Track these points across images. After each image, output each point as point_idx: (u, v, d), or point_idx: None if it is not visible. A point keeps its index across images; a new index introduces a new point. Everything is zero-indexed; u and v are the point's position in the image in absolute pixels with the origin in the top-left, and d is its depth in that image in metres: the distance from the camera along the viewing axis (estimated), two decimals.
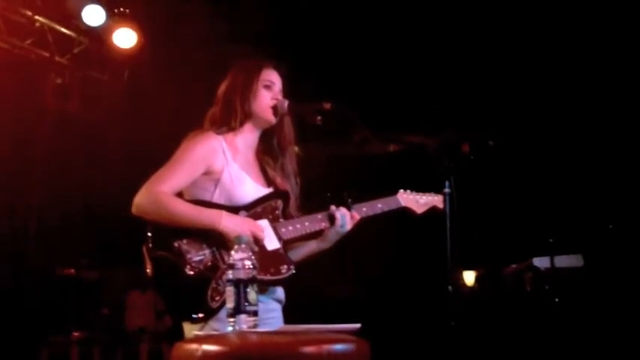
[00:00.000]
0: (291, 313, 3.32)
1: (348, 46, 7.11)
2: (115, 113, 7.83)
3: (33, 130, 7.73)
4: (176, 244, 3.03)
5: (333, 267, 7.05)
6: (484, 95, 6.98)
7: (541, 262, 5.70)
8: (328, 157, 6.53)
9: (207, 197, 3.20)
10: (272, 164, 3.44)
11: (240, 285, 2.55)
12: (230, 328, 2.56)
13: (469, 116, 6.81)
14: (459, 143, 3.55)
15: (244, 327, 2.53)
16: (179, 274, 3.00)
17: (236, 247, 2.61)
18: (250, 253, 2.60)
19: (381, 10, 7.01)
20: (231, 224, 3.08)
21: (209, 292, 2.99)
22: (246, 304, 2.55)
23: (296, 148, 3.55)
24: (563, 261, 5.64)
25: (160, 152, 3.31)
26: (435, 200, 3.67)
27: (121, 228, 6.35)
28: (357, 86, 6.69)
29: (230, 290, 2.56)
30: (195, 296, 3.00)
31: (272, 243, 3.20)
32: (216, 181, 3.21)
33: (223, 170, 3.22)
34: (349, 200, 3.41)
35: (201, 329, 3.00)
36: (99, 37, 7.50)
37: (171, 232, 3.05)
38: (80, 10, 7.04)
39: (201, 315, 2.99)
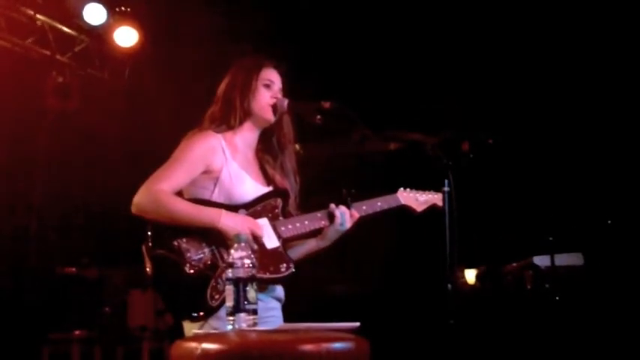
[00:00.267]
0: (290, 312, 3.33)
1: (348, 45, 7.11)
2: (115, 112, 7.82)
3: (33, 128, 7.73)
4: (176, 243, 3.04)
5: (333, 265, 7.05)
6: (484, 95, 6.98)
7: (541, 261, 5.69)
8: (328, 155, 6.53)
9: (206, 196, 3.21)
10: (271, 163, 3.45)
11: (239, 283, 2.55)
12: (229, 327, 2.56)
13: (469, 116, 6.81)
14: (458, 141, 3.56)
15: (244, 325, 2.54)
16: (179, 273, 3.01)
17: (235, 245, 2.61)
18: (250, 252, 2.61)
19: (381, 9, 7.00)
20: (230, 223, 3.08)
21: (208, 291, 3.00)
22: (246, 302, 2.55)
23: (297, 147, 3.56)
24: (563, 259, 5.63)
25: (160, 151, 3.32)
26: (435, 198, 3.68)
27: (121, 227, 6.36)
28: (356, 86, 6.69)
29: (229, 289, 2.56)
30: (194, 295, 3.00)
31: (271, 241, 3.21)
32: (216, 180, 3.22)
33: (222, 169, 3.23)
34: (348, 199, 3.42)
35: (200, 328, 3.00)
36: (100, 35, 7.50)
37: (171, 231, 3.06)
38: (81, 8, 7.04)
39: (200, 313, 3.00)
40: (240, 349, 2.30)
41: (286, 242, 3.32)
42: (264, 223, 3.23)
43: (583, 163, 6.73)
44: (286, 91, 3.46)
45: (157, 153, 3.34)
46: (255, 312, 2.58)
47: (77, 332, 7.29)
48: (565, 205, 6.60)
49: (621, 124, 6.64)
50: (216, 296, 2.99)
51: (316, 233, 3.39)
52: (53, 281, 7.63)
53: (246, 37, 6.82)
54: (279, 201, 3.33)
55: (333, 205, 3.37)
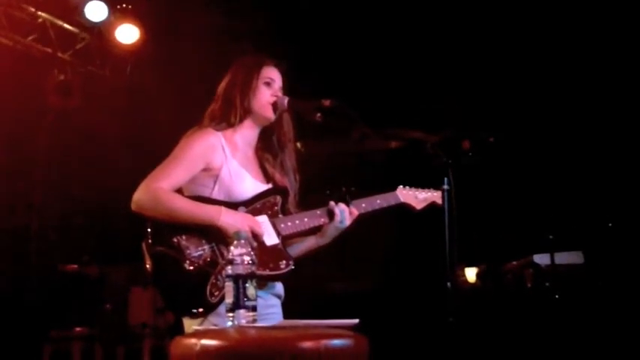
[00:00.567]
0: (290, 309, 3.33)
1: (347, 44, 7.11)
2: (116, 109, 7.83)
3: (34, 126, 7.74)
4: (175, 240, 3.05)
5: (333, 263, 7.05)
6: (485, 93, 6.98)
7: (541, 259, 5.70)
8: (328, 153, 6.53)
9: (206, 193, 3.22)
10: (271, 161, 3.45)
11: (239, 280, 2.56)
12: (229, 323, 2.57)
13: (470, 114, 6.81)
14: (459, 140, 3.56)
15: (243, 322, 2.55)
16: (178, 270, 3.01)
17: (235, 242, 2.62)
18: (249, 249, 2.62)
19: (381, 8, 7.01)
20: (230, 220, 3.09)
21: (208, 288, 3.01)
22: (245, 299, 2.56)
23: (298, 145, 3.56)
24: (563, 258, 5.64)
25: (161, 148, 3.32)
26: (435, 196, 3.69)
27: (122, 225, 6.36)
28: (356, 84, 6.69)
29: (229, 285, 2.57)
30: (194, 291, 3.01)
31: (271, 239, 3.22)
32: (216, 178, 3.23)
33: (222, 167, 3.23)
34: (348, 196, 3.43)
35: (200, 324, 3.01)
36: (101, 33, 7.51)
37: (171, 228, 3.06)
38: (82, 6, 7.05)
39: (200, 310, 3.01)
40: (240, 345, 2.31)
41: (286, 239, 3.32)
42: (263, 220, 3.24)
43: (583, 162, 6.73)
44: (286, 89, 3.46)
45: (158, 150, 3.33)
46: (254, 309, 2.59)
47: (78, 330, 7.30)
48: (565, 203, 6.60)
49: (620, 121, 6.64)
50: (216, 293, 2.99)
51: (315, 231, 3.40)
52: (54, 279, 7.65)
53: (247, 35, 6.84)
54: (279, 198, 3.34)
55: (332, 203, 3.38)
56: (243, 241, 2.62)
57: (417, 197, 3.69)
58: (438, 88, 6.97)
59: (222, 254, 3.05)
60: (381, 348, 2.90)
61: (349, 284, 7.27)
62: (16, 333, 7.07)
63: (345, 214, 3.36)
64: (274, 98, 3.37)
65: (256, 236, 3.13)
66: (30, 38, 7.21)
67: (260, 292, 2.88)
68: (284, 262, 3.19)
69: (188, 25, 7.23)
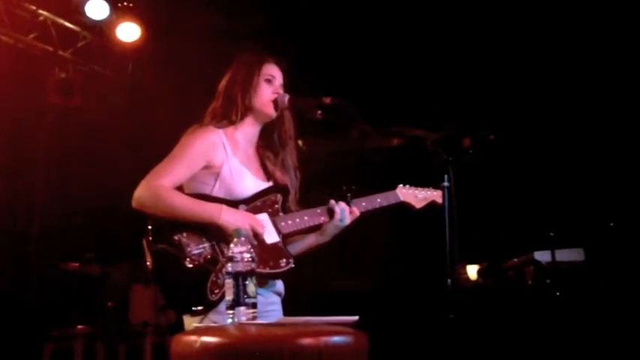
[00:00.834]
0: (290, 306, 3.34)
1: (348, 42, 7.11)
2: (117, 107, 7.84)
3: (35, 125, 7.74)
4: (176, 238, 3.05)
5: (333, 261, 7.06)
6: (485, 91, 6.98)
7: (542, 256, 5.70)
8: (328, 151, 6.54)
9: (207, 191, 3.22)
10: (272, 159, 3.45)
11: (238, 277, 2.57)
12: (229, 321, 2.58)
13: (470, 112, 6.81)
14: (459, 137, 3.56)
15: (243, 319, 2.55)
16: (179, 267, 3.01)
17: (235, 240, 2.62)
18: (249, 246, 2.62)
19: (381, 6, 7.01)
20: (230, 218, 3.09)
21: (209, 285, 3.01)
22: (245, 296, 2.57)
23: (300, 142, 3.57)
24: (564, 255, 5.64)
25: (162, 146, 3.32)
26: (434, 195, 3.70)
27: (123, 223, 6.37)
28: (357, 83, 6.68)
29: (229, 283, 2.58)
30: (194, 289, 3.01)
31: (271, 237, 3.22)
32: (216, 175, 3.23)
33: (223, 164, 3.24)
34: (348, 195, 3.43)
35: (201, 322, 3.02)
36: (102, 31, 7.52)
37: (172, 226, 3.07)
38: (84, 4, 7.06)
39: (200, 308, 3.01)
40: (239, 342, 2.32)
41: (286, 238, 3.33)
42: (264, 218, 3.24)
43: (584, 159, 6.73)
44: (287, 87, 3.47)
45: (159, 149, 3.34)
46: (254, 306, 2.59)
47: (79, 328, 7.30)
48: (565, 200, 6.60)
49: (621, 119, 6.63)
50: (216, 290, 2.99)
51: (315, 229, 3.40)
52: (55, 278, 7.64)
53: (248, 33, 6.84)
54: (279, 197, 3.34)
55: (333, 202, 3.38)
56: (242, 239, 2.63)
57: (416, 196, 3.70)
58: (439, 85, 6.97)
59: (222, 252, 3.05)
60: (381, 345, 2.91)
61: (349, 282, 7.27)
62: (17, 332, 7.08)
63: (345, 212, 3.37)
64: (275, 95, 3.38)
65: (257, 234, 3.14)
66: (31, 36, 7.22)
67: (260, 290, 2.89)
68: (284, 260, 3.20)
69: (189, 23, 7.23)
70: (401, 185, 3.68)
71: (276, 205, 3.31)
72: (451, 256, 3.16)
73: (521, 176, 6.87)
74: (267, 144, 3.48)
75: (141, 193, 3.08)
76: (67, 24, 7.38)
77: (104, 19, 7.20)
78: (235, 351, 2.26)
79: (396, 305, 6.95)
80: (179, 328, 3.12)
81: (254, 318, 2.57)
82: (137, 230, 3.16)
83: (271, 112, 3.38)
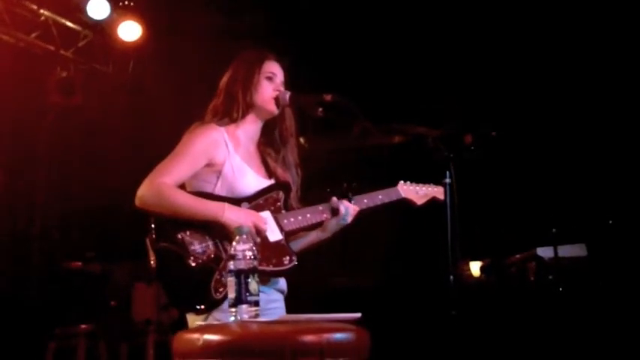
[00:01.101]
0: (293, 304, 3.34)
1: (349, 40, 7.11)
2: (118, 106, 7.84)
3: (37, 124, 7.74)
4: (179, 236, 3.05)
5: (335, 258, 7.06)
6: (487, 86, 6.97)
7: (544, 252, 5.70)
8: (329, 148, 6.54)
9: (209, 189, 3.22)
10: (273, 156, 3.45)
11: (241, 275, 2.57)
12: (232, 318, 2.58)
13: (472, 108, 6.81)
14: (461, 134, 3.56)
15: (245, 317, 2.55)
16: (183, 266, 3.01)
17: (237, 237, 2.62)
18: (251, 244, 2.62)
19: (383, 4, 7.01)
20: (234, 216, 3.09)
21: (212, 284, 3.01)
22: (248, 294, 2.56)
23: (301, 140, 3.57)
24: (566, 251, 5.64)
25: (164, 145, 3.33)
26: (435, 191, 3.70)
27: (125, 221, 6.37)
28: (358, 81, 6.67)
29: (231, 280, 2.58)
30: (198, 287, 3.01)
31: (274, 234, 3.22)
32: (219, 173, 3.23)
33: (225, 162, 3.24)
34: (350, 192, 3.43)
35: (204, 320, 3.02)
36: (103, 30, 7.50)
37: (175, 224, 3.06)
38: (85, 3, 7.05)
39: (204, 306, 3.01)
40: (242, 339, 2.32)
41: (288, 235, 3.33)
42: (266, 216, 3.25)
43: (586, 155, 6.73)
44: (288, 84, 3.47)
45: (161, 147, 3.34)
46: (257, 304, 2.59)
47: (82, 327, 7.31)
48: (568, 196, 6.60)
49: (623, 115, 6.63)
50: (220, 289, 2.99)
51: (317, 226, 3.40)
52: (57, 277, 7.65)
53: (248, 32, 6.84)
54: (281, 194, 3.34)
55: (335, 199, 3.39)
56: (245, 237, 2.63)
57: (417, 192, 3.70)
58: (440, 84, 6.96)
59: (225, 250, 3.05)
60: (383, 342, 2.91)
61: (351, 279, 7.28)
62: (20, 331, 7.09)
63: (348, 210, 3.37)
64: (276, 93, 3.38)
65: (260, 232, 3.14)
66: (32, 36, 7.21)
67: (263, 288, 2.90)
68: (287, 258, 3.20)
69: (190, 22, 7.23)
70: (402, 182, 3.68)
71: (279, 203, 3.32)
72: (453, 252, 3.16)
73: (523, 172, 6.87)
74: (269, 141, 3.48)
75: (144, 192, 3.08)
76: (68, 23, 7.37)
77: (105, 18, 7.19)
78: (237, 348, 2.26)
79: (398, 302, 6.95)
80: (182, 326, 3.12)
81: (256, 316, 2.57)
82: (139, 229, 3.16)
83: (273, 109, 3.38)
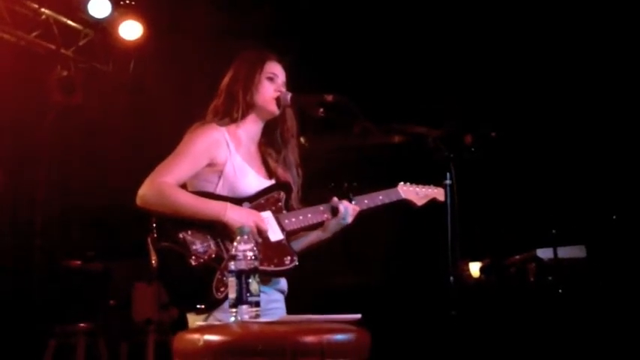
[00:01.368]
0: (293, 304, 3.35)
1: (350, 40, 7.11)
2: (119, 105, 7.83)
3: (37, 122, 7.74)
4: (181, 235, 3.05)
5: (336, 258, 7.06)
6: (487, 87, 6.97)
7: (544, 253, 5.71)
8: (329, 148, 6.54)
9: (210, 189, 3.22)
10: (274, 156, 3.46)
11: (241, 275, 2.57)
12: (232, 319, 2.58)
13: (472, 109, 6.81)
14: (461, 134, 3.57)
15: (246, 317, 2.55)
16: (184, 266, 3.01)
17: (238, 238, 2.62)
18: (253, 244, 2.62)
19: (384, 5, 7.01)
20: (236, 216, 3.10)
21: (214, 284, 3.01)
22: (248, 294, 2.57)
23: (302, 139, 3.58)
24: (566, 252, 5.65)
25: (165, 144, 3.33)
26: (435, 192, 3.70)
27: (126, 220, 6.36)
28: (358, 81, 6.67)
29: (232, 281, 2.58)
30: (200, 287, 3.01)
31: (275, 234, 3.23)
32: (220, 173, 3.24)
33: (226, 162, 3.24)
34: (350, 192, 3.44)
35: (205, 320, 3.02)
36: (104, 29, 7.50)
37: (176, 224, 3.06)
38: (86, 2, 7.05)
39: (205, 306, 3.01)
40: (242, 340, 2.32)
41: (289, 235, 3.33)
42: (267, 216, 3.25)
43: (585, 156, 6.73)
44: (289, 84, 3.47)
45: (161, 146, 3.34)
46: (257, 304, 2.59)
47: (82, 325, 7.31)
48: (567, 197, 6.60)
49: (622, 116, 6.63)
50: (222, 289, 2.99)
51: (317, 226, 3.41)
52: (58, 275, 7.65)
53: (250, 31, 6.83)
54: (283, 194, 3.35)
55: (335, 199, 3.39)
56: (246, 237, 2.63)
57: (417, 194, 3.70)
58: (440, 84, 6.96)
59: (227, 250, 3.04)
60: (383, 342, 2.91)
61: (352, 279, 7.28)
62: (20, 328, 7.08)
63: (348, 210, 3.38)
64: (278, 93, 3.38)
65: (261, 232, 3.14)
66: (33, 34, 7.20)
67: (264, 288, 2.90)
68: (288, 258, 3.20)
69: (191, 21, 7.22)
70: (402, 183, 3.68)
71: (280, 203, 3.32)
72: (453, 253, 3.17)
73: (523, 173, 6.87)
74: (270, 141, 3.49)
75: (145, 191, 3.08)
76: (69, 22, 7.37)
77: (106, 17, 7.19)
78: (238, 349, 2.27)
79: (399, 302, 6.96)
80: (182, 325, 3.12)
81: (257, 316, 2.57)
82: (139, 228, 3.16)
83: (274, 109, 3.38)
